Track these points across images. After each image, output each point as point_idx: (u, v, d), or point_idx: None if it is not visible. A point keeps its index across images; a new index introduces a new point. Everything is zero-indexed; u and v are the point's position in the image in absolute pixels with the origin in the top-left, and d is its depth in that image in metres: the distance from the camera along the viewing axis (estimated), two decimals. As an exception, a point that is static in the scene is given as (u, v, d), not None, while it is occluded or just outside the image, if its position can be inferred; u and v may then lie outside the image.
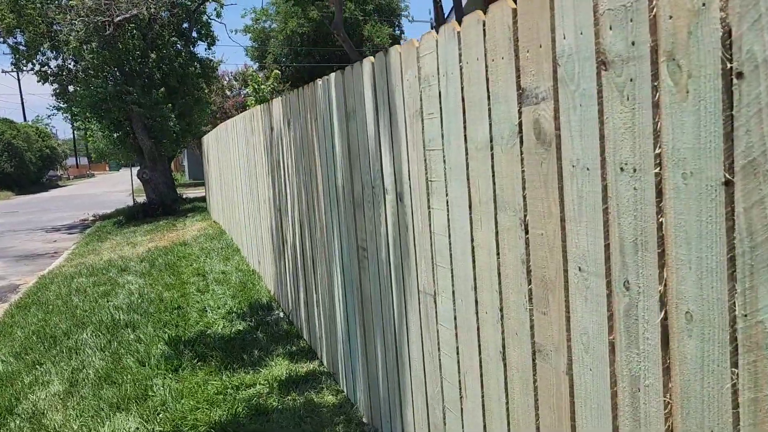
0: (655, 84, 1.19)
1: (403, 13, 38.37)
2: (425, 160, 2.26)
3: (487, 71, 1.78)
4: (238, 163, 7.82)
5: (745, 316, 1.06)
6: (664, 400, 1.26)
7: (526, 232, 1.67)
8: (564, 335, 1.56)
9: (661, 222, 1.21)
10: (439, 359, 2.33)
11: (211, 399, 3.80)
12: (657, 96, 1.19)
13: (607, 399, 1.42)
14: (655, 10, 1.17)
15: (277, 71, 18.55)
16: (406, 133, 2.42)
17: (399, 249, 2.62)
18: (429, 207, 2.27)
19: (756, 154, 1.01)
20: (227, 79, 28.32)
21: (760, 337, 1.04)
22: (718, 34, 1.04)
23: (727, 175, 1.06)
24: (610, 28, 1.28)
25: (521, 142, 1.65)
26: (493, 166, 1.80)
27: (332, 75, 3.34)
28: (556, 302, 1.57)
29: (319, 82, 3.58)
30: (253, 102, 16.48)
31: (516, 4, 1.62)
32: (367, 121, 2.84)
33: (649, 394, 1.29)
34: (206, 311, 5.86)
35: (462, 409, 2.18)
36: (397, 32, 36.87)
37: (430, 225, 2.28)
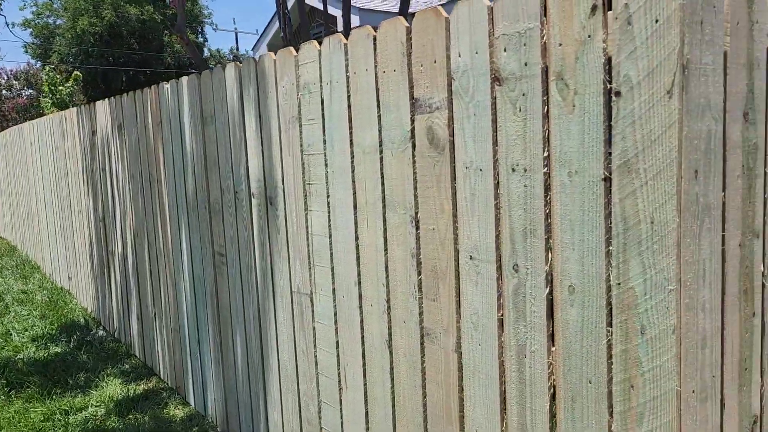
0: (545, 98, 1.44)
1: (206, 20, 37.45)
2: (303, 164, 2.36)
3: (377, 82, 1.94)
4: (41, 170, 7.12)
5: (619, 284, 1.34)
6: (548, 362, 1.50)
7: (417, 228, 1.85)
8: (454, 318, 1.76)
9: (548, 212, 1.47)
10: (315, 356, 2.43)
11: (37, 427, 3.46)
12: (546, 108, 1.44)
13: (495, 368, 1.65)
14: (545, 37, 1.43)
15: (78, 73, 17.06)
16: (280, 138, 2.49)
17: (268, 252, 2.67)
18: (307, 209, 2.37)
19: (630, 156, 1.29)
20: (5, 77, 25.34)
21: (631, 300, 1.32)
22: (600, 61, 1.32)
23: (606, 173, 1.33)
24: (505, 50, 1.52)
25: (413, 146, 1.83)
26: (382, 169, 1.97)
27: (184, 79, 3.28)
28: (447, 289, 1.78)
29: (167, 85, 3.49)
30: (49, 104, 14.96)
31: (408, 23, 1.81)
32: (230, 126, 2.85)
33: (534, 359, 1.54)
34: (11, 335, 5.25)
35: (341, 400, 2.30)
36: (201, 39, 35.91)
37: (307, 227, 2.38)
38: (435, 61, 1.72)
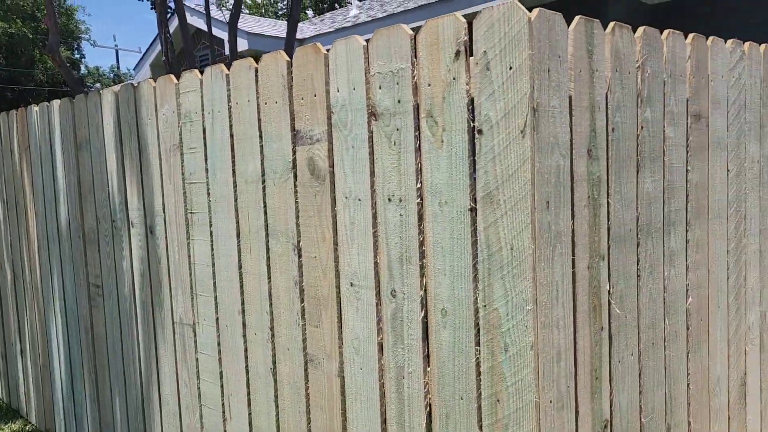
0: (417, 134, 1.54)
1: (83, 36, 35.64)
2: (185, 193, 2.34)
3: (259, 112, 1.98)
4: None
5: (485, 306, 1.45)
6: (425, 381, 1.59)
7: (299, 256, 1.90)
8: (336, 343, 1.82)
9: (422, 240, 1.56)
10: (198, 387, 2.38)
11: None
12: (418, 143, 1.54)
13: (376, 390, 1.71)
14: (416, 77, 1.53)
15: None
16: (160, 166, 2.45)
17: (149, 283, 2.59)
18: (189, 238, 2.35)
19: (491, 189, 1.41)
20: None
21: (495, 320, 1.43)
22: (464, 101, 1.44)
23: (472, 204, 1.45)
24: (380, 88, 1.61)
25: (295, 176, 1.88)
26: (265, 198, 2.00)
27: (56, 102, 3.14)
28: (329, 315, 1.83)
29: (36, 108, 3.32)
30: None
31: (289, 57, 1.87)
32: (107, 153, 2.76)
33: (412, 379, 1.62)
34: None
35: (225, 431, 2.27)
36: (77, 56, 34.07)
37: (189, 256, 2.35)
38: (315, 95, 1.79)
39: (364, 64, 1.65)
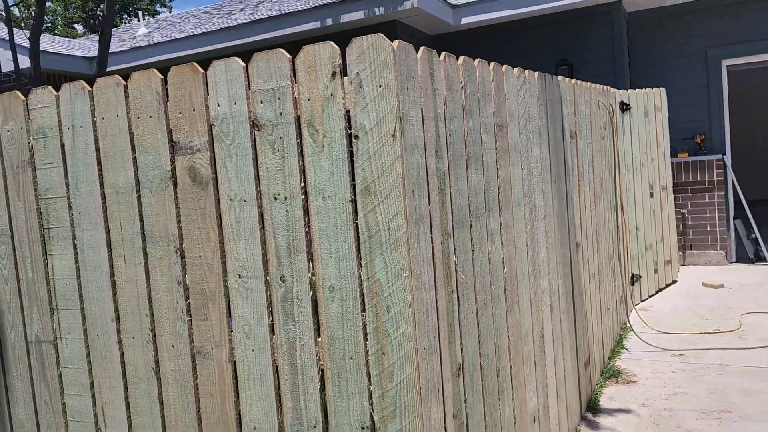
0: (299, 141, 1.83)
1: None
2: (39, 208, 2.33)
3: (131, 126, 2.10)
4: None
5: (368, 278, 1.78)
6: (316, 350, 1.87)
7: (182, 257, 2.06)
8: (225, 332, 2.01)
9: (308, 230, 1.85)
10: (63, 403, 2.37)
11: None
12: (301, 148, 1.83)
13: (269, 366, 1.94)
14: (296, 93, 1.82)
15: None
16: (5, 184, 2.40)
17: (-9, 305, 2.49)
18: (47, 254, 2.33)
19: (369, 183, 1.75)
20: None
21: (378, 288, 1.77)
22: (342, 112, 1.76)
23: (352, 196, 1.78)
24: (262, 102, 1.87)
25: (175, 184, 2.04)
26: (140, 207, 2.11)
27: None
28: (217, 308, 2.01)
29: None
30: None
31: (163, 75, 2.03)
32: (-72, 173, 2.59)
33: (304, 350, 1.88)
34: None
35: (99, 441, 2.30)
36: None
37: (47, 272, 2.34)
38: (194, 109, 1.98)
39: (245, 82, 1.89)
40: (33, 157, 2.33)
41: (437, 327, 1.89)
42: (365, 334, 1.80)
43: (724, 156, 7.23)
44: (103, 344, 2.25)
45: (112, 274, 2.20)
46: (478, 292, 2.20)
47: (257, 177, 1.91)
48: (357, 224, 1.78)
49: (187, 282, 2.06)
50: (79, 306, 2.29)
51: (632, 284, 5.68)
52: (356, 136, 1.75)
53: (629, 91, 5.87)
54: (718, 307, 5.58)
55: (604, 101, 4.73)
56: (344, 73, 1.76)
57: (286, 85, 1.83)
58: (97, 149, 2.18)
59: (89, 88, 2.18)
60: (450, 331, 1.98)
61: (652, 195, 6.16)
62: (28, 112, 2.32)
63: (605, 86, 4.92)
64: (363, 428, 1.82)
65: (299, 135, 1.83)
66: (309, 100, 1.80)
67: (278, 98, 1.84)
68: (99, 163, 2.18)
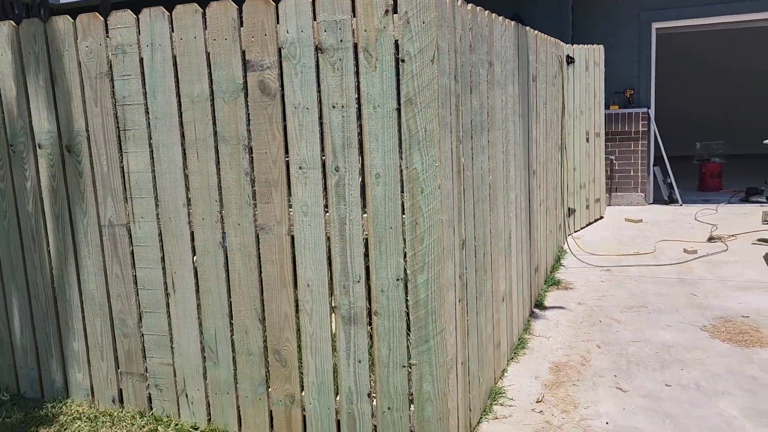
0: (356, 62, 2.39)
1: None
2: (116, 113, 2.79)
3: (206, 46, 2.59)
4: None
5: (407, 167, 2.39)
6: (362, 223, 2.48)
7: (250, 154, 2.60)
8: (286, 212, 2.59)
9: (360, 132, 2.43)
10: (134, 275, 2.89)
11: None
12: (357, 68, 2.40)
13: (322, 237, 2.54)
14: (354, 25, 2.38)
15: None
16: (82, 92, 2.84)
17: (64, 197, 2.95)
18: (122, 152, 2.81)
19: (411, 96, 2.34)
20: None
21: (414, 175, 2.38)
22: (392, 42, 2.33)
23: (397, 106, 2.37)
24: (325, 31, 2.41)
25: (246, 95, 2.57)
26: (214, 112, 2.63)
27: None
28: (279, 193, 2.58)
29: None
30: None
31: (238, 5, 2.53)
32: (3, 85, 2.97)
33: (352, 224, 2.49)
34: None
35: (168, 303, 2.85)
36: None
37: (122, 167, 2.82)
38: (266, 34, 2.50)
39: (311, 14, 2.43)
40: (111, 70, 2.78)
41: (453, 207, 2.54)
42: (403, 210, 2.42)
43: (649, 110, 8.17)
44: (175, 225, 2.78)
45: (185, 168, 2.72)
46: (474, 189, 2.86)
47: (318, 90, 2.47)
48: (399, 127, 2.38)
49: (254, 173, 2.61)
50: (152, 195, 2.79)
51: (568, 216, 6.54)
52: (403, 60, 2.33)
53: (574, 46, 6.61)
54: (638, 236, 6.54)
55: (556, 52, 5.43)
56: (395, 11, 2.33)
57: (347, 18, 2.38)
58: (175, 64, 2.67)
59: (168, 13, 2.65)
60: (458, 213, 2.63)
61: (587, 140, 6.99)
62: (107, 30, 2.75)
63: (557, 40, 5.62)
64: (398, 280, 2.46)
65: (356, 58, 2.40)
66: (365, 30, 2.36)
67: (339, 28, 2.39)
68: (176, 75, 2.67)
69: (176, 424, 2.87)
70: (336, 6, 2.39)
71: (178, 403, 2.92)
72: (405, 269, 2.45)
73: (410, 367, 2.50)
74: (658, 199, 8.46)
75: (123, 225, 2.88)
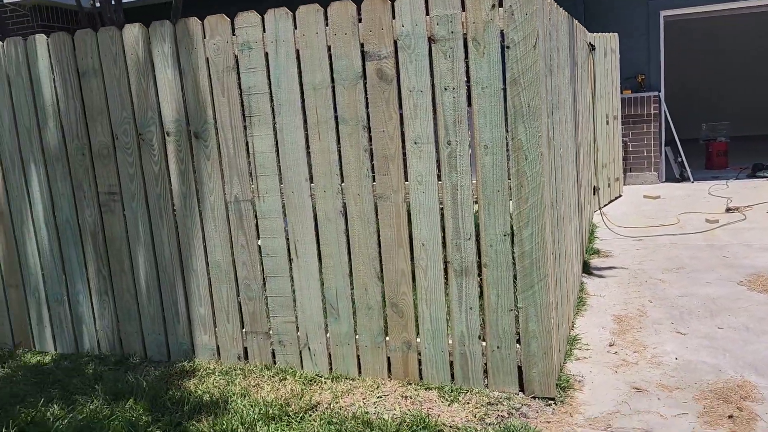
0: (465, 50, 2.80)
1: None
2: (242, 102, 3.19)
3: (327, 40, 2.99)
4: None
5: (513, 139, 2.80)
6: (472, 189, 2.89)
7: (369, 132, 3.00)
8: (402, 182, 2.99)
9: (469, 110, 2.84)
10: (259, 245, 3.29)
11: None
12: (466, 55, 2.80)
13: (435, 202, 2.95)
14: (464, 18, 2.78)
15: None
16: (210, 84, 3.23)
17: (192, 178, 3.34)
18: (248, 136, 3.21)
19: (516, 77, 2.75)
20: None
21: (519, 145, 2.80)
22: (498, 31, 2.75)
23: (503, 86, 2.78)
24: (437, 24, 2.82)
25: (364, 82, 2.97)
26: (334, 97, 3.03)
27: (39, 36, 3.50)
28: (396, 166, 2.99)
29: (19, 41, 3.58)
30: None
31: (357, 4, 2.93)
32: (130, 78, 3.36)
33: (463, 190, 2.90)
34: None
35: (291, 268, 3.25)
36: None
37: (248, 149, 3.22)
38: (383, 28, 2.90)
39: (424, 10, 2.83)
40: (237, 64, 3.17)
41: (549, 172, 2.96)
42: (509, 176, 2.84)
43: (660, 93, 8.63)
44: (298, 198, 3.18)
45: (308, 147, 3.12)
46: (554, 158, 3.28)
47: (431, 75, 2.87)
48: (505, 104, 2.79)
49: (372, 149, 3.01)
50: (276, 172, 3.19)
51: (593, 194, 6.98)
52: (508, 47, 2.75)
53: (594, 34, 7.05)
54: (659, 211, 7.00)
55: (585, 39, 5.87)
56: (500, 5, 2.74)
57: (457, 12, 2.79)
58: (297, 57, 3.06)
59: (291, 12, 3.04)
60: (549, 176, 3.06)
61: (608, 123, 7.45)
62: (234, 29, 3.14)
63: (584, 28, 6.05)
64: (505, 235, 2.88)
65: (465, 46, 2.81)
66: (474, 23, 2.77)
67: (450, 21, 2.80)
68: (299, 67, 3.07)
69: (301, 374, 3.27)
70: (447, 2, 2.79)
71: (300, 356, 3.32)
72: (511, 226, 2.87)
73: (517, 310, 2.92)
74: (670, 178, 8.93)
75: (248, 200, 3.28)
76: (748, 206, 6.73)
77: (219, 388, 3.17)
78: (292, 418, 2.87)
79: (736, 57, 13.11)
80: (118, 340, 3.70)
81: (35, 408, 3.09)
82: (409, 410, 2.87)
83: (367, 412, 2.87)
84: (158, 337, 3.61)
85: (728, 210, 6.64)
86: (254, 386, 3.20)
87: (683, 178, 8.76)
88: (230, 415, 2.89)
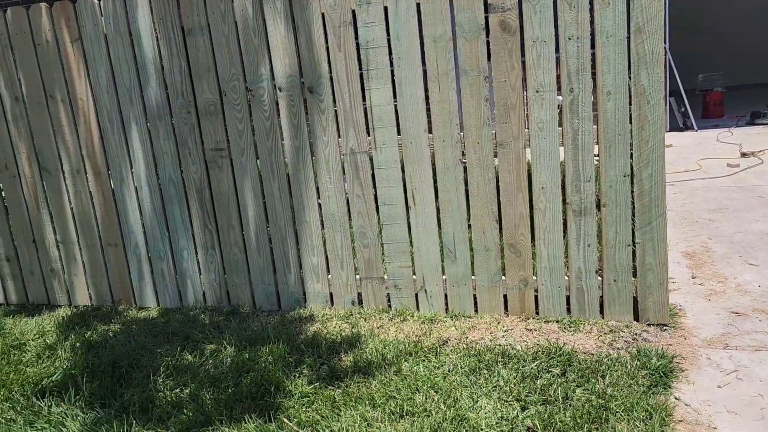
0: (590, 1, 2.95)
1: None
2: (359, 57, 3.28)
3: (450, -6, 3.10)
4: None
5: (635, 84, 2.98)
6: (594, 134, 3.08)
7: (490, 83, 3.15)
8: (523, 129, 3.16)
9: (593, 58, 3.01)
10: (375, 195, 3.43)
11: None
12: (591, 5, 2.95)
13: (556, 146, 3.13)
14: (591, -30, 2.92)
15: None
16: (326, 39, 3.30)
17: (305, 131, 3.44)
18: (365, 90, 3.31)
19: (640, 25, 2.92)
20: None
21: (641, 90, 2.98)
22: (625, -18, 2.90)
23: (627, 35, 2.94)
24: (564, -24, 2.95)
25: (487, 33, 3.10)
26: (455, 49, 3.15)
27: (133, -5, 3.50)
28: (517, 115, 3.15)
29: (95, 1, 3.56)
30: None
31: (479, -43, 3.04)
32: (240, 36, 3.40)
33: (584, 135, 3.09)
34: None
35: (408, 215, 3.41)
36: None
37: (364, 102, 3.32)
38: (507, -19, 3.02)
39: (551, -37, 2.96)
40: (354, 19, 3.25)
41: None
42: (630, 120, 3.03)
43: (665, 45, 8.91)
44: (416, 148, 3.32)
45: (427, 99, 3.25)
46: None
47: (556, 26, 3.02)
48: (629, 52, 2.97)
49: (493, 99, 3.16)
50: (394, 124, 3.32)
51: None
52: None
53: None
54: (676, 158, 7.33)
55: None
56: (626, -43, 2.89)
57: (583, -35, 2.92)
58: (418, 11, 3.16)
59: (411, -33, 3.13)
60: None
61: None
62: (351, -16, 3.21)
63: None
64: (624, 176, 3.09)
65: (591, -3, 2.96)
66: (600, -26, 2.92)
67: (576, -27, 2.94)
68: (419, 21, 3.17)
69: (419, 315, 3.47)
70: (573, -45, 2.93)
71: (416, 299, 3.51)
72: (631, 166, 3.08)
73: (634, 245, 3.15)
74: (674, 127, 9.28)
75: (365, 152, 3.40)
76: (761, 151, 7.12)
77: (346, 331, 3.35)
78: (428, 353, 3.07)
79: (734, 9, 13.50)
80: (225, 293, 3.82)
81: (171, 356, 3.22)
82: (537, 341, 3.10)
83: (500, 345, 3.09)
84: (267, 288, 3.74)
85: (744, 155, 7.01)
86: (378, 327, 3.38)
87: (687, 127, 9.12)
88: (368, 353, 3.07)
